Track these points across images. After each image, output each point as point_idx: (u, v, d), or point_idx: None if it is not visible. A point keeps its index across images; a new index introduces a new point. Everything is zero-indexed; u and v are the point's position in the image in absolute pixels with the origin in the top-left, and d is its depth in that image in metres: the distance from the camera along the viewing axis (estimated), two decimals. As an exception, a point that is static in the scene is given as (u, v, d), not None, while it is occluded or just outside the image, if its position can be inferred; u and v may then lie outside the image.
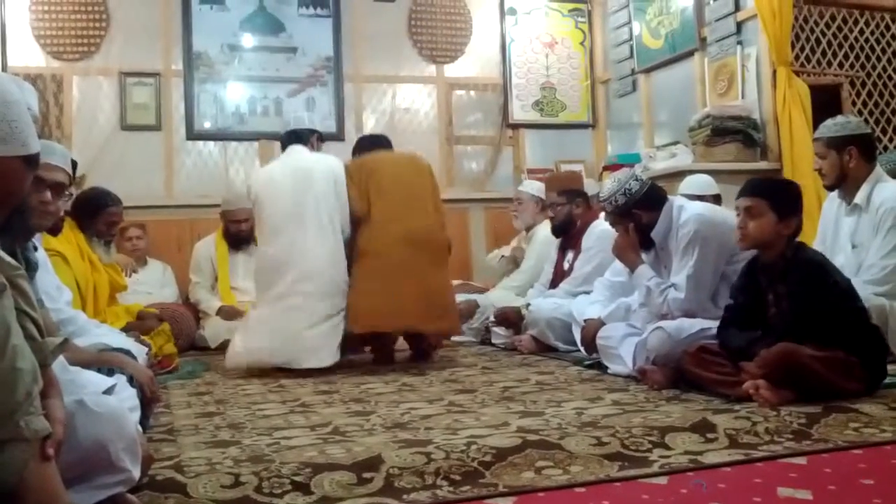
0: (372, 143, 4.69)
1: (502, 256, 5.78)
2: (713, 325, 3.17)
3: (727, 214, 3.53)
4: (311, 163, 4.29)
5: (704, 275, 3.27)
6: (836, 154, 3.59)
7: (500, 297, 5.18)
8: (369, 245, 4.14)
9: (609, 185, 3.52)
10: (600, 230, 4.58)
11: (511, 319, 4.80)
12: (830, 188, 3.68)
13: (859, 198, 3.58)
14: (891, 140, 5.62)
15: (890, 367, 2.84)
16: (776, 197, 2.87)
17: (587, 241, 4.67)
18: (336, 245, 4.15)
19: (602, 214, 4.55)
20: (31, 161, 1.53)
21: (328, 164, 4.29)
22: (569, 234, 4.84)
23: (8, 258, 1.54)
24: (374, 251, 4.11)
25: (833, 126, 3.66)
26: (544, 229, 5.33)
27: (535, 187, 5.57)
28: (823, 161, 3.62)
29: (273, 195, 4.20)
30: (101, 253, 4.05)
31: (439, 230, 4.32)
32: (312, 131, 4.51)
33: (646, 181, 3.48)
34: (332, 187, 4.20)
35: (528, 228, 5.54)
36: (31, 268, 2.33)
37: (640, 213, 3.42)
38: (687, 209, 3.38)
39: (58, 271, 3.22)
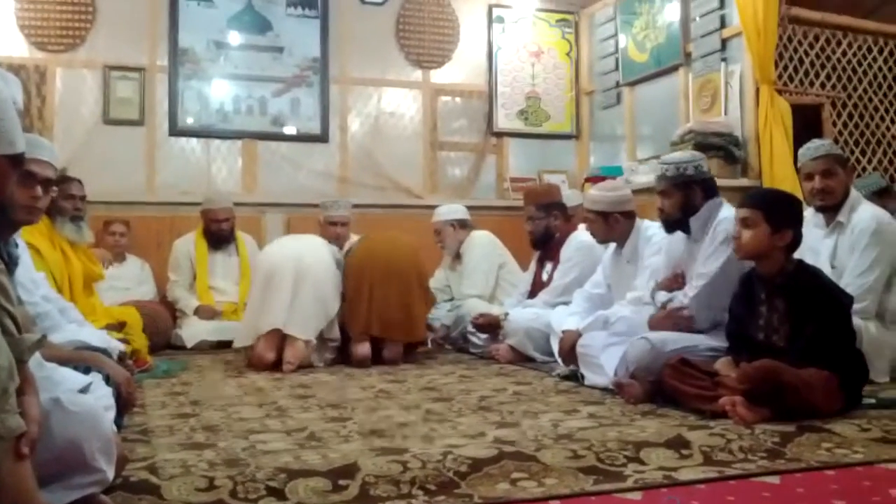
0: None
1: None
2: (700, 341, 3.18)
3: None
4: None
5: (725, 277, 3.21)
6: (843, 172, 3.63)
7: (477, 304, 5.16)
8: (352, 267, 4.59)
9: (679, 154, 3.50)
10: (578, 241, 4.61)
11: (485, 327, 4.80)
12: (834, 207, 3.66)
13: (842, 216, 3.62)
14: (870, 161, 5.68)
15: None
16: (771, 208, 2.89)
17: (566, 252, 4.69)
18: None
19: (581, 226, 4.58)
20: (16, 160, 1.52)
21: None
22: (547, 246, 4.86)
23: (-13, 253, 1.53)
24: (355, 274, 4.55)
25: (830, 146, 3.72)
26: (477, 240, 5.40)
27: (445, 212, 5.55)
28: (830, 179, 3.61)
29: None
30: (71, 232, 3.96)
31: (413, 258, 4.66)
32: None
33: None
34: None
35: (458, 253, 5.50)
36: (12, 263, 2.31)
37: (698, 192, 3.38)
38: (727, 208, 3.37)
39: (33, 264, 3.19)
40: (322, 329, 4.42)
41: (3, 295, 1.51)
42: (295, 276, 4.39)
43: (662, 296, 3.44)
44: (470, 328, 4.94)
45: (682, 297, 3.34)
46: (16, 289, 1.95)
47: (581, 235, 4.59)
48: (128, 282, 5.60)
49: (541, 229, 4.83)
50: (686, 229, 3.42)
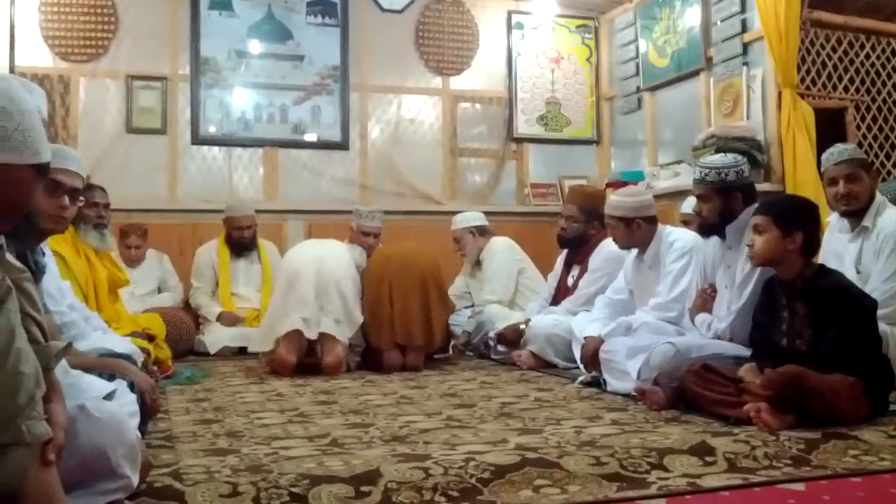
0: None
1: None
2: (725, 348, 3.14)
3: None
4: None
5: (755, 298, 3.13)
6: (867, 177, 3.60)
7: (498, 311, 5.14)
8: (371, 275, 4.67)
9: (719, 157, 3.40)
10: (608, 251, 4.52)
11: (510, 339, 4.78)
12: (859, 212, 3.61)
13: (867, 221, 3.58)
14: (895, 165, 5.63)
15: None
16: (779, 212, 2.89)
17: (594, 261, 4.63)
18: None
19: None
20: (42, 169, 1.54)
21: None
22: (576, 250, 4.82)
23: (15, 261, 1.55)
24: (374, 281, 4.62)
25: (854, 150, 3.68)
26: (497, 246, 5.39)
27: (463, 220, 5.54)
28: (854, 184, 3.55)
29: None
30: (94, 239, 3.99)
31: (431, 266, 4.68)
32: None
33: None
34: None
35: (478, 260, 5.48)
36: (39, 271, 2.34)
37: (738, 198, 3.29)
38: None
39: (59, 272, 3.22)
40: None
41: (29, 303, 1.52)
42: (317, 281, 4.44)
43: (701, 324, 3.39)
44: (491, 335, 4.93)
45: (718, 323, 3.29)
46: (42, 297, 1.98)
47: (611, 245, 4.45)
48: (148, 283, 5.64)
49: (576, 232, 4.77)
50: (722, 234, 3.38)
